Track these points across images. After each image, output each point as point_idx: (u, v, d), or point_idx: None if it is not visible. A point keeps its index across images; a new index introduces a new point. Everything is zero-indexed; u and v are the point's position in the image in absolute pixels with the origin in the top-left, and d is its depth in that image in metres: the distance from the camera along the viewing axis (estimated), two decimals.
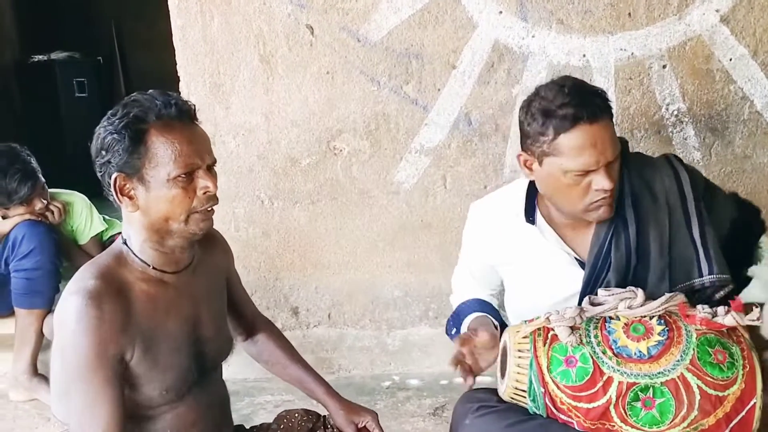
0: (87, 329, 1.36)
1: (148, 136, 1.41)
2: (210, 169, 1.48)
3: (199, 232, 1.49)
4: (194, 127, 1.48)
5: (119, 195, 1.44)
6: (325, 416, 1.85)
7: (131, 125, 1.41)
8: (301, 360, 1.90)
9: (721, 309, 1.54)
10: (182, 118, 1.45)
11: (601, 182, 1.62)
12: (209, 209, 1.49)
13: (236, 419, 1.85)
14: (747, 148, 2.85)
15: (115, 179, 1.43)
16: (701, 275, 1.71)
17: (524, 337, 1.59)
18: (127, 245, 1.50)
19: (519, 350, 1.58)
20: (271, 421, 1.85)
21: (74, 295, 1.38)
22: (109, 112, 1.46)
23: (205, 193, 1.45)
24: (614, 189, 1.66)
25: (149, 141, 1.41)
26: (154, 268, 1.50)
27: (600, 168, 1.62)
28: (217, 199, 1.50)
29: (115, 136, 1.41)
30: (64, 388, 1.43)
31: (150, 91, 1.47)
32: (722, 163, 2.87)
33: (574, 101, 1.60)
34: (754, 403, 1.48)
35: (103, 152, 1.43)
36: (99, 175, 1.46)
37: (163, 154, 1.41)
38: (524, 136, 1.70)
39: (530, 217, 1.82)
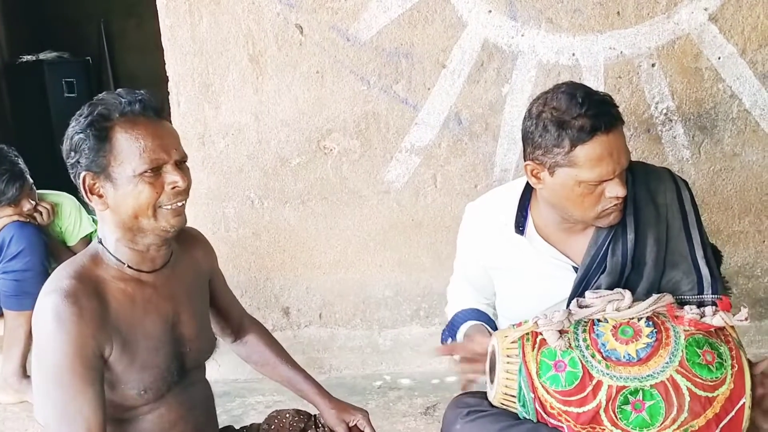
0: (65, 327, 1.35)
1: (113, 133, 1.41)
2: (180, 165, 1.46)
3: (171, 229, 1.47)
4: (161, 123, 1.47)
5: (89, 194, 1.44)
6: (316, 416, 1.85)
7: (96, 123, 1.41)
8: (291, 360, 1.90)
9: (708, 309, 1.54)
10: (147, 114, 1.44)
11: (615, 190, 1.62)
12: (179, 204, 1.47)
13: (227, 420, 1.85)
14: (736, 146, 2.86)
15: (84, 178, 1.43)
16: (702, 293, 1.70)
17: (513, 342, 1.59)
18: (102, 245, 1.50)
19: (508, 355, 1.58)
20: (262, 421, 1.84)
21: (50, 295, 1.37)
22: (77, 112, 1.46)
23: (173, 188, 1.44)
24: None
25: (114, 138, 1.40)
26: (129, 266, 1.49)
27: (615, 176, 1.61)
28: (187, 194, 1.49)
29: (81, 135, 1.42)
30: (42, 388, 1.41)
31: (118, 90, 1.47)
32: (711, 161, 2.88)
33: (589, 111, 1.57)
34: (744, 402, 1.48)
35: (73, 153, 1.43)
36: (71, 176, 1.46)
37: (128, 150, 1.40)
38: (533, 146, 1.66)
39: (520, 227, 1.80)
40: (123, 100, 1.43)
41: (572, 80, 1.76)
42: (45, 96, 6.67)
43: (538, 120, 1.64)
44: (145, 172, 1.40)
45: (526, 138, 1.69)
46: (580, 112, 1.58)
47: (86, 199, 1.46)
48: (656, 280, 1.72)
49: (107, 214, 1.46)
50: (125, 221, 1.44)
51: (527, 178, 1.74)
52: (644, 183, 1.77)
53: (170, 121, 1.51)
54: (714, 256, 1.81)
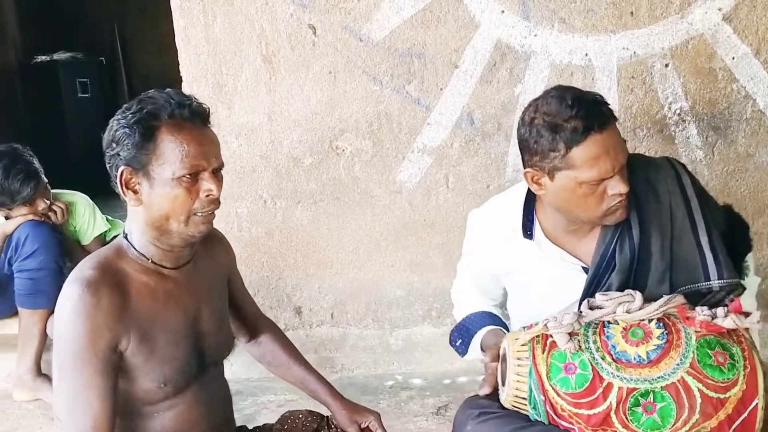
0: (82, 316, 1.38)
1: (159, 133, 1.43)
2: (216, 173, 1.49)
3: (198, 235, 1.50)
4: (205, 130, 1.49)
5: (124, 188, 1.46)
6: (328, 417, 1.85)
7: (143, 121, 1.43)
8: (304, 361, 1.91)
9: (720, 310, 1.53)
10: (194, 120, 1.46)
11: (617, 187, 1.62)
12: (210, 213, 1.50)
13: (239, 419, 1.85)
14: (749, 146, 2.85)
15: (122, 172, 1.45)
16: (708, 279, 1.69)
17: (523, 345, 1.59)
18: (128, 240, 1.52)
19: (518, 358, 1.58)
20: (275, 421, 1.85)
21: (72, 284, 1.40)
22: (125, 105, 1.48)
23: (207, 195, 1.47)
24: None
25: (159, 138, 1.42)
26: (153, 262, 1.51)
27: (615, 173, 1.62)
28: (219, 203, 1.51)
29: (126, 130, 1.43)
30: (57, 376, 1.43)
31: (167, 89, 1.48)
32: (725, 162, 2.86)
33: (580, 112, 1.58)
34: (756, 403, 1.47)
35: (114, 144, 1.45)
36: (108, 166, 1.48)
37: (171, 153, 1.42)
38: (530, 153, 1.67)
39: (528, 231, 1.81)
40: (172, 101, 1.44)
41: (560, 84, 1.76)
42: (59, 96, 6.73)
43: (531, 126, 1.65)
44: (184, 176, 1.43)
45: (522, 146, 1.70)
46: (571, 114, 1.59)
47: (119, 192, 1.47)
48: (665, 270, 1.71)
49: (139, 210, 1.48)
50: (155, 220, 1.47)
51: (528, 186, 1.75)
52: (643, 174, 1.77)
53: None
54: (739, 230, 1.81)
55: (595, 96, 1.66)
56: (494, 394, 1.71)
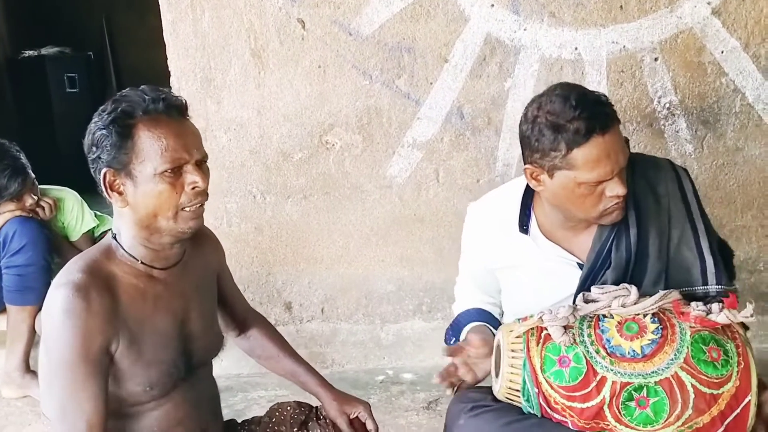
0: (73, 321, 1.36)
1: (135, 131, 1.41)
2: (200, 165, 1.47)
3: (188, 231, 1.48)
4: (183, 122, 1.47)
5: (109, 190, 1.45)
6: (317, 407, 1.85)
7: (119, 120, 1.41)
8: (294, 353, 1.91)
9: (715, 306, 1.54)
10: (170, 113, 1.44)
11: (616, 189, 1.62)
12: (198, 206, 1.48)
13: (230, 415, 1.85)
14: (738, 140, 2.85)
15: (105, 174, 1.43)
16: (706, 283, 1.70)
17: (517, 337, 1.59)
18: (116, 240, 1.51)
19: (512, 350, 1.58)
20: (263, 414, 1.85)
21: (61, 288, 1.39)
22: (101, 107, 1.46)
23: (193, 188, 1.45)
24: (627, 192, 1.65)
25: (136, 136, 1.41)
26: (143, 263, 1.50)
27: (614, 176, 1.61)
28: (207, 195, 1.50)
29: (103, 131, 1.42)
30: (47, 381, 1.43)
31: (142, 86, 1.47)
32: (714, 156, 2.87)
33: (584, 114, 1.58)
34: (749, 400, 1.48)
35: (94, 148, 1.44)
36: (91, 171, 1.46)
37: (150, 148, 1.41)
38: (531, 150, 1.67)
39: (524, 226, 1.81)
40: (147, 97, 1.43)
41: (566, 81, 1.75)
42: (47, 91, 6.69)
43: (534, 124, 1.64)
44: (166, 171, 1.41)
45: (524, 142, 1.70)
46: (574, 114, 1.58)
47: (105, 195, 1.46)
48: (661, 271, 1.72)
49: (126, 211, 1.46)
50: (143, 219, 1.45)
51: (527, 181, 1.75)
52: (643, 174, 1.77)
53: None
54: (724, 251, 1.81)
55: (599, 96, 1.65)
56: (487, 387, 1.71)
